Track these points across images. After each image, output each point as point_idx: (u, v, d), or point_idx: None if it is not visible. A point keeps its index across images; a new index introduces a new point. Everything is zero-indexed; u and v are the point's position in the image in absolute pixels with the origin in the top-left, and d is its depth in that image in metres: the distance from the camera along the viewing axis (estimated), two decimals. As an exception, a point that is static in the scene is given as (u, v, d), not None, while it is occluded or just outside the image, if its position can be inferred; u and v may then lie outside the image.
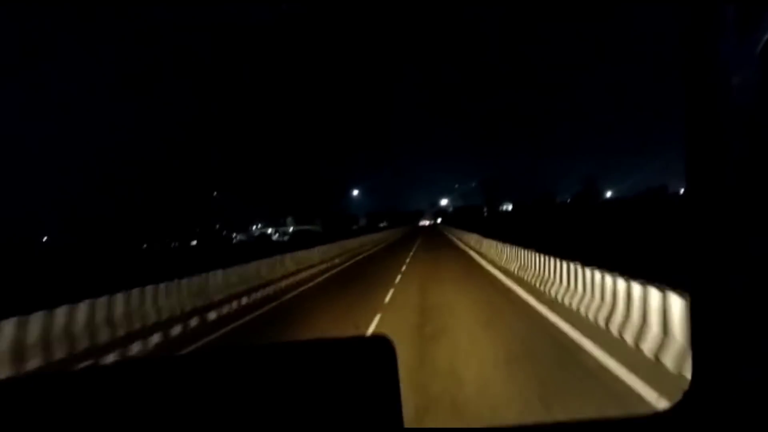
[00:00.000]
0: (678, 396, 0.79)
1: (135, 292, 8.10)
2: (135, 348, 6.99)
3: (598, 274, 7.16)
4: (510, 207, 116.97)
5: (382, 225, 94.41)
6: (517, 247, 13.59)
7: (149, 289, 8.49)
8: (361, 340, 0.74)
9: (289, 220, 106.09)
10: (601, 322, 6.50)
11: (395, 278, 14.04)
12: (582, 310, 7.33)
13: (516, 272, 12.79)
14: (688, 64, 0.77)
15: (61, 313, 6.69)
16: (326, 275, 16.94)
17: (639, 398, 4.28)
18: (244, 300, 11.13)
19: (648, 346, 5.13)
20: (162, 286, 8.87)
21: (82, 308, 7.07)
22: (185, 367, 0.73)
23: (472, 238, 26.03)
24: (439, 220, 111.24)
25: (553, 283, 9.21)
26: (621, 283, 6.19)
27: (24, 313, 6.26)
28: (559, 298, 8.57)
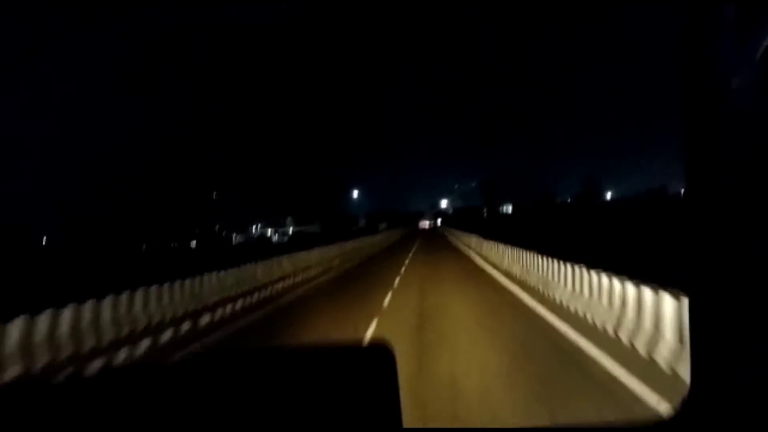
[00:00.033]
0: (678, 400, 0.78)
1: (124, 296, 7.80)
2: (122, 355, 6.70)
3: (605, 278, 6.88)
4: (510, 208, 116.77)
5: (381, 226, 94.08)
6: (519, 249, 13.31)
7: (139, 292, 8.19)
8: (362, 347, 0.75)
9: (289, 220, 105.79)
10: (610, 329, 6.21)
11: (394, 280, 13.76)
12: (589, 315, 7.05)
13: (519, 275, 12.50)
14: (687, 64, 0.77)
15: (44, 318, 6.40)
16: (324, 278, 16.66)
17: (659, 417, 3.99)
18: (239, 303, 10.84)
19: (662, 357, 4.84)
20: (153, 288, 8.58)
21: (67, 314, 6.77)
22: (184, 372, 0.72)
23: (473, 240, 25.75)
24: (439, 222, 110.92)
25: (557, 287, 8.92)
26: (630, 288, 5.91)
27: (8, 318, 5.97)
28: (564, 302, 8.28)
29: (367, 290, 12.12)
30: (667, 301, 4.93)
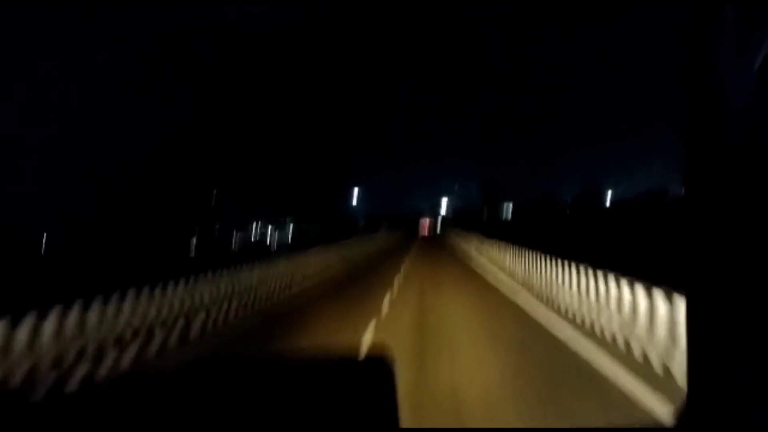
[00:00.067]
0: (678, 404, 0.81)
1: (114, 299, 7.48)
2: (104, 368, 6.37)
3: (612, 283, 6.59)
4: (510, 209, 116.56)
5: (380, 228, 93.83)
6: (522, 250, 13.01)
7: (129, 294, 7.87)
8: (361, 358, 0.72)
9: (289, 221, 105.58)
10: (620, 340, 5.91)
11: (393, 284, 13.45)
12: (598, 325, 6.73)
13: (520, 275, 12.19)
14: (687, 66, 0.76)
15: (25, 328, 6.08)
16: (321, 277, 16.35)
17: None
18: (234, 303, 10.52)
19: (679, 371, 4.53)
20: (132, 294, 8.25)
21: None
22: (181, 381, 0.69)
23: (473, 240, 25.45)
24: (439, 222, 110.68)
25: (564, 293, 8.60)
26: (641, 295, 5.62)
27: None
28: (573, 310, 7.98)
29: (365, 294, 11.83)
30: (683, 311, 4.61)
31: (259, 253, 20.32)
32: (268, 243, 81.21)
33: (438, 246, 32.82)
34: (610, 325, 6.30)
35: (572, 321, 7.47)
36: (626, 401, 4.25)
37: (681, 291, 4.66)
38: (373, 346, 6.52)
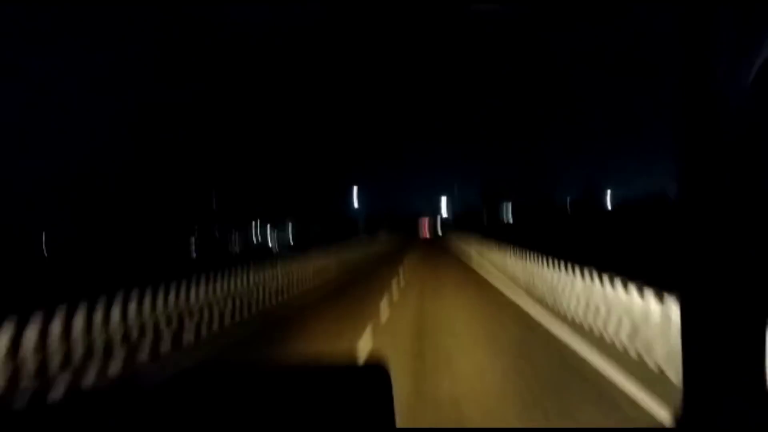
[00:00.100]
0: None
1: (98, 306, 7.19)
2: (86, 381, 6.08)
3: (620, 289, 6.31)
4: (510, 211, 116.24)
5: (381, 229, 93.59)
6: (524, 253, 12.72)
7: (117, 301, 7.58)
8: (356, 366, 0.73)
9: (289, 223, 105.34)
10: (633, 352, 5.63)
11: (391, 288, 13.17)
12: (608, 334, 6.45)
13: (525, 285, 11.90)
14: (684, 65, 0.76)
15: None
16: (321, 280, 16.09)
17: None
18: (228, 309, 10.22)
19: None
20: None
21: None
22: (170, 392, 0.69)
23: (473, 242, 25.18)
24: (439, 224, 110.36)
25: (570, 300, 8.32)
26: (652, 301, 5.34)
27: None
28: (580, 317, 7.70)
29: (362, 300, 11.55)
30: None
31: (260, 255, 20.13)
32: (270, 245, 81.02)
33: (438, 247, 32.59)
34: (619, 333, 6.03)
35: (579, 328, 7.20)
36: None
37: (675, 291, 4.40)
38: (371, 352, 6.38)
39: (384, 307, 9.67)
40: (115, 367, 6.34)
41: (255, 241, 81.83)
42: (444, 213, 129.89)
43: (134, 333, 7.55)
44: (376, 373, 0.69)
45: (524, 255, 12.49)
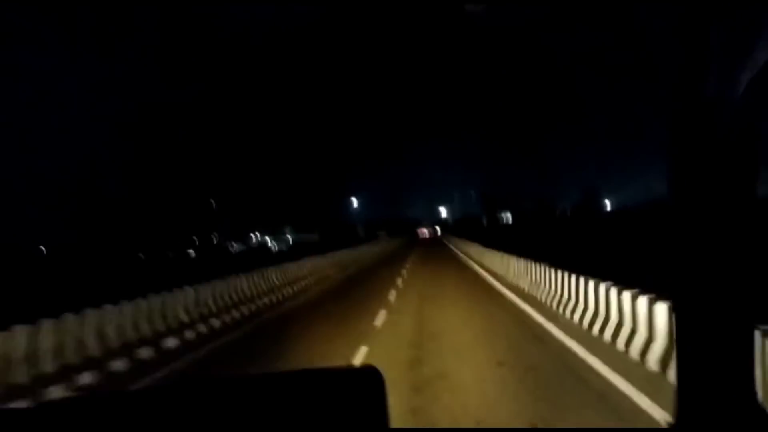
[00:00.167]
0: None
1: (70, 317, 6.70)
2: (55, 392, 5.56)
3: (626, 296, 5.82)
4: (509, 216, 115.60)
5: (380, 234, 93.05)
6: (526, 260, 12.20)
7: (92, 313, 7.09)
8: (350, 371, 0.74)
9: (288, 229, 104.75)
10: (652, 365, 5.11)
11: (389, 293, 12.64)
12: (620, 343, 5.94)
13: (528, 291, 11.38)
14: (677, 74, 0.77)
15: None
16: (316, 289, 15.57)
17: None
18: (215, 321, 9.70)
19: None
20: (109, 308, 7.47)
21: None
22: (158, 399, 0.69)
23: (474, 249, 24.69)
24: (438, 230, 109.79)
25: (576, 307, 7.81)
26: (661, 308, 4.86)
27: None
28: (587, 326, 7.19)
29: (359, 306, 11.03)
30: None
31: (263, 260, 19.98)
32: (270, 246, 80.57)
33: (437, 254, 32.01)
34: (634, 347, 5.52)
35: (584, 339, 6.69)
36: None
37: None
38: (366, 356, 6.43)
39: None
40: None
41: (255, 248, 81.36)
42: (443, 218, 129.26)
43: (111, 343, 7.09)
44: (370, 375, 0.69)
45: (518, 262, 12.01)
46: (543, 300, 9.73)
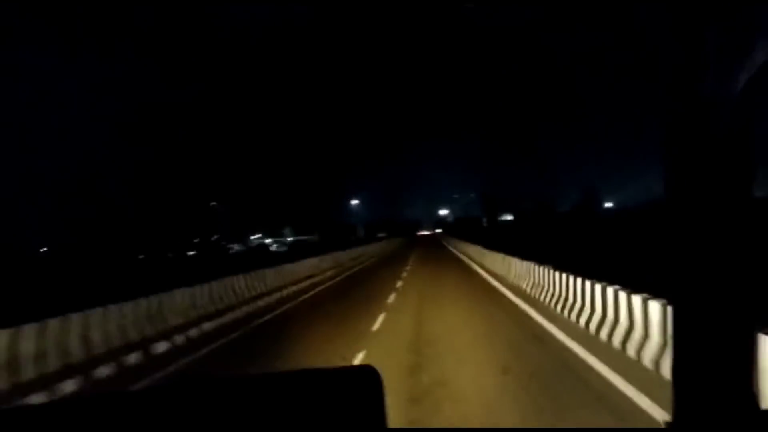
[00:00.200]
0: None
1: (53, 322, 6.41)
2: (35, 399, 5.28)
3: (637, 300, 5.53)
4: (509, 217, 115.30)
5: (380, 235, 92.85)
6: (528, 262, 11.91)
7: (76, 316, 6.80)
8: (348, 371, 0.74)
9: (288, 230, 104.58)
10: (664, 372, 4.82)
11: (389, 296, 12.35)
12: (631, 350, 5.65)
13: (530, 293, 11.09)
14: (673, 74, 0.77)
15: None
16: (314, 291, 15.27)
17: None
18: (208, 325, 9.40)
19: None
20: (98, 311, 7.19)
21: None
22: (156, 400, 0.69)
23: (475, 250, 24.39)
24: (438, 231, 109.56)
25: (582, 311, 7.52)
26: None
27: None
28: (594, 331, 6.90)
29: (357, 310, 10.73)
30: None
31: (261, 261, 19.82)
32: (271, 248, 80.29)
33: (437, 255, 31.72)
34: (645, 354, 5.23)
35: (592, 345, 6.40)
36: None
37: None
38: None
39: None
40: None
41: (254, 248, 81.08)
42: (443, 216, 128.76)
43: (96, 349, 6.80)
44: (368, 375, 0.68)
45: (520, 264, 11.73)
46: (547, 303, 9.44)
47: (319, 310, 11.59)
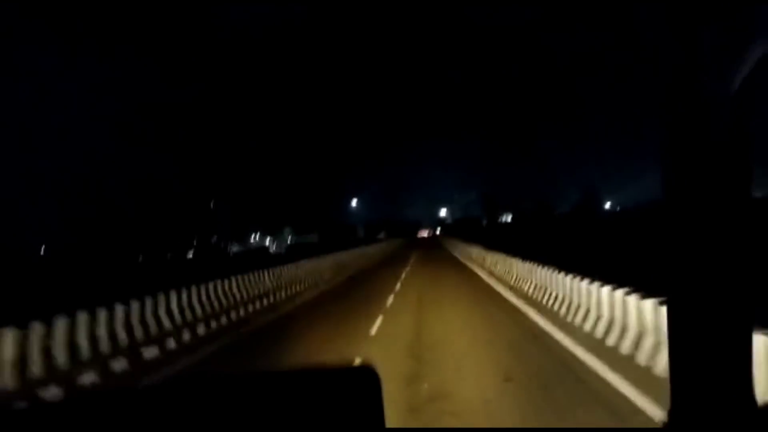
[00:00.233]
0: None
1: (36, 325, 6.16)
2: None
3: (648, 305, 5.28)
4: (509, 218, 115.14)
5: (380, 236, 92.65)
6: (529, 263, 11.66)
7: (62, 320, 6.54)
8: (346, 370, 0.73)
9: (287, 230, 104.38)
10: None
11: (388, 298, 12.11)
12: (642, 357, 5.39)
13: (532, 295, 10.83)
14: (671, 75, 0.77)
15: None
16: (313, 291, 15.04)
17: None
18: (200, 329, 9.14)
19: None
20: (83, 315, 6.93)
21: None
22: (158, 398, 0.69)
23: (475, 251, 24.17)
24: (438, 231, 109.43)
25: (587, 314, 7.27)
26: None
27: None
28: (600, 335, 6.65)
29: (356, 311, 10.50)
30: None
31: (260, 262, 19.65)
32: (270, 248, 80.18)
33: (437, 256, 31.52)
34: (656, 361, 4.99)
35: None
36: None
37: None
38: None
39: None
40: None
41: (254, 249, 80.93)
42: (443, 217, 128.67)
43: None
44: (366, 375, 0.68)
45: (521, 264, 11.48)
46: (550, 306, 9.19)
47: (319, 309, 11.42)
